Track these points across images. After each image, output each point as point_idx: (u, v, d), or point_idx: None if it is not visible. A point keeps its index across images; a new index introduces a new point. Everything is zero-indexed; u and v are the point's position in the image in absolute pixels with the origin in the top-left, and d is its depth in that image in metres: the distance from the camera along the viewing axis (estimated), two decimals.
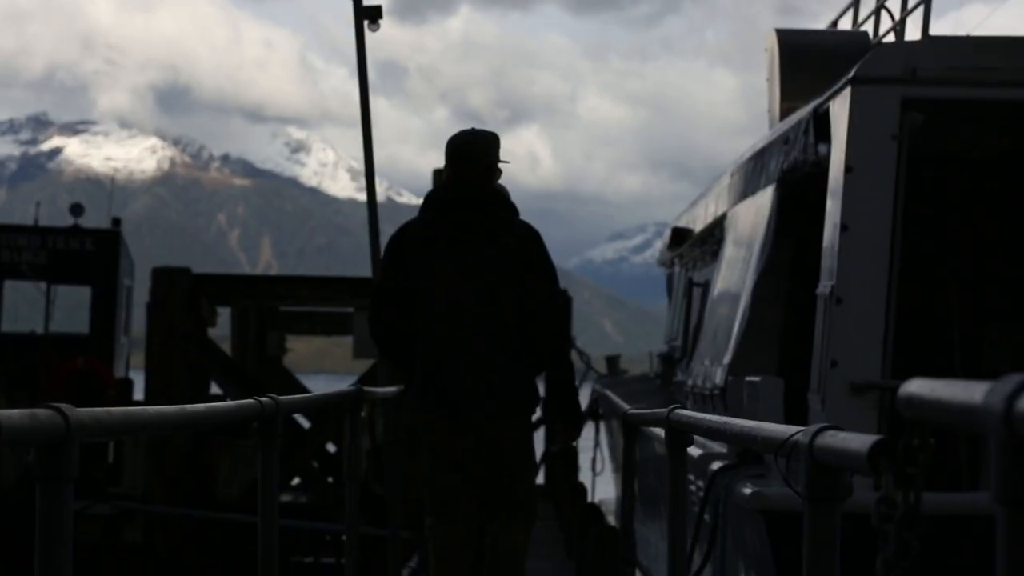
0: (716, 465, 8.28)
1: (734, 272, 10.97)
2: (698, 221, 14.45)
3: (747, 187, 11.07)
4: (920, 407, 2.03)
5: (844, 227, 8.10)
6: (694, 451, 8.50)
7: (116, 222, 25.34)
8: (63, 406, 2.75)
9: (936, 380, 2.00)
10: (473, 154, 7.04)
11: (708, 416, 4.81)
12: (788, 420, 7.31)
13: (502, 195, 7.18)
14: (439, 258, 6.95)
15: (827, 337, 8.08)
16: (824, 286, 8.22)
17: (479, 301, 6.89)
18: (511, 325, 6.90)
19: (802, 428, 3.11)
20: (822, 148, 8.76)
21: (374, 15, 10.02)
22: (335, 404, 7.28)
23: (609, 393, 14.29)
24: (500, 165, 7.19)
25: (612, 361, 21.76)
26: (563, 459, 17.18)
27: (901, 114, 8.12)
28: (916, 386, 2.04)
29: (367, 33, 10.12)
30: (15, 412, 2.55)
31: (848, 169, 8.12)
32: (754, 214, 10.52)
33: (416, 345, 7.01)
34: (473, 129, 7.24)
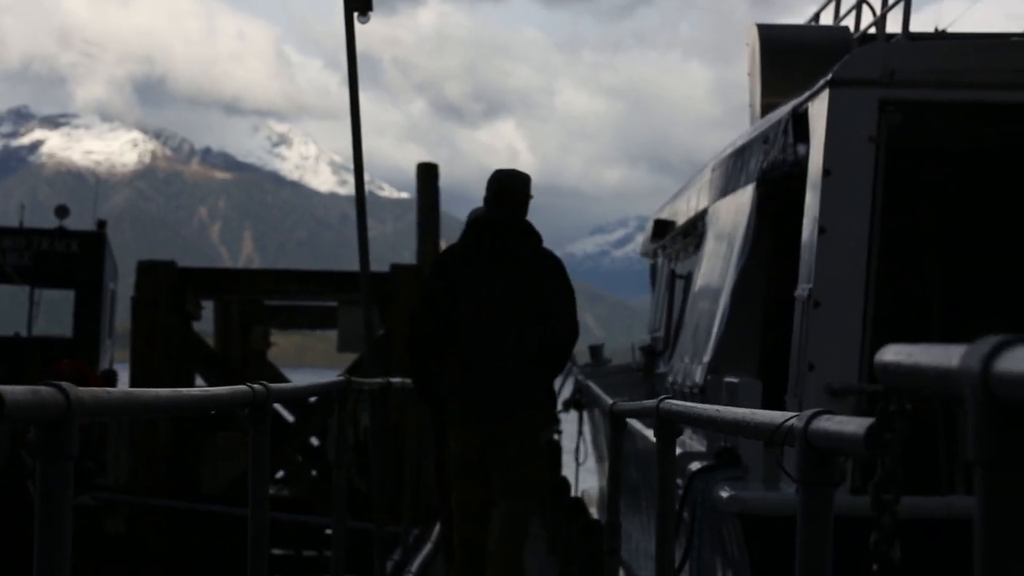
0: (695, 466, 8.28)
1: (715, 269, 11.02)
2: (680, 214, 14.51)
3: (728, 184, 11.12)
4: (897, 373, 2.02)
5: (822, 230, 8.12)
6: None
7: (101, 224, 25.13)
8: (64, 384, 2.79)
9: (913, 345, 1.99)
10: (512, 189, 8.53)
11: (699, 406, 4.76)
12: None
13: (531, 225, 8.59)
14: (476, 275, 8.33)
15: (805, 340, 8.09)
16: (802, 289, 8.25)
17: (505, 313, 8.25)
18: (530, 336, 8.24)
19: (796, 414, 3.09)
20: (801, 148, 8.79)
21: (364, 7, 9.98)
22: (324, 393, 7.41)
23: (592, 384, 14.34)
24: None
25: (595, 350, 21.90)
26: (546, 455, 17.22)
27: (879, 116, 8.15)
28: (893, 352, 2.03)
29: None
30: (18, 388, 2.58)
31: (826, 172, 8.15)
32: (734, 212, 10.58)
33: (450, 347, 8.34)
34: (513, 169, 8.81)
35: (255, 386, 4.57)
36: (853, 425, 2.65)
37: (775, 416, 3.28)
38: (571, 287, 8.56)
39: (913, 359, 1.95)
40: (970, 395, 1.70)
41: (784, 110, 9.35)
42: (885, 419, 2.35)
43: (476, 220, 8.65)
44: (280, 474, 20.63)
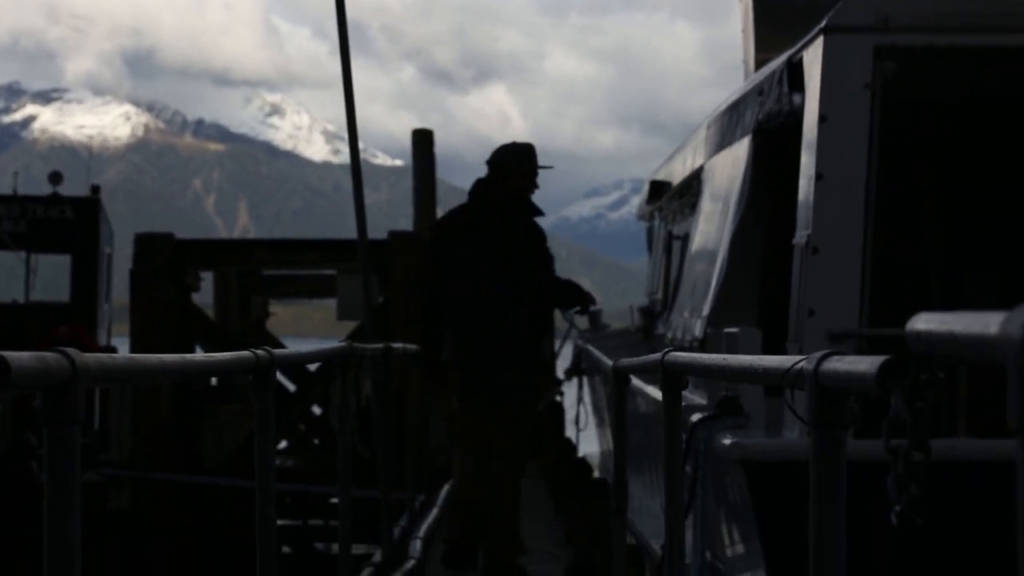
0: (696, 416, 8.33)
1: (712, 224, 11.02)
2: (676, 174, 14.50)
3: (723, 139, 11.12)
4: (930, 341, 1.99)
5: (819, 176, 8.14)
6: None
7: (95, 189, 25.16)
8: (69, 350, 2.78)
9: (946, 313, 1.95)
10: (501, 163, 9.01)
11: (705, 355, 4.70)
12: None
13: (525, 199, 9.04)
14: (470, 253, 8.81)
15: (804, 286, 8.12)
16: (800, 236, 8.27)
17: (500, 293, 8.76)
18: (523, 315, 8.83)
19: (805, 356, 3.06)
20: (796, 98, 8.80)
21: None
22: (326, 359, 7.42)
23: (592, 348, 14.34)
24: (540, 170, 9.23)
25: (594, 316, 21.87)
26: (549, 416, 17.26)
27: (874, 63, 8.17)
28: (925, 320, 2.00)
29: None
30: (23, 354, 2.58)
31: (822, 119, 8.16)
32: (731, 165, 10.58)
33: (449, 325, 8.92)
34: (513, 143, 9.25)
35: (258, 352, 4.57)
36: (865, 364, 2.59)
37: (784, 360, 3.24)
38: (549, 254, 9.28)
39: (947, 327, 1.92)
40: (1012, 362, 1.66)
41: (779, 61, 9.35)
42: (916, 389, 2.30)
43: (471, 194, 9.06)
44: (283, 445, 20.66)
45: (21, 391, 2.59)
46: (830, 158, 8.14)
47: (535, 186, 9.14)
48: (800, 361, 3.07)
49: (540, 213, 9.13)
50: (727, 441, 7.54)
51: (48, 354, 2.72)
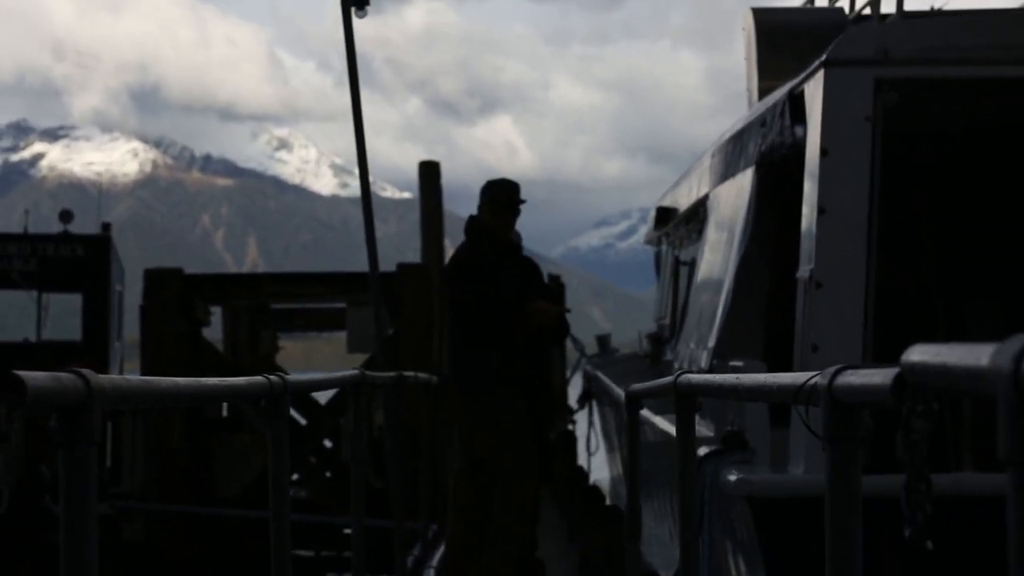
0: (702, 451, 8.33)
1: (717, 254, 11.05)
2: (682, 201, 14.55)
3: (727, 169, 11.15)
4: (924, 373, 1.99)
5: (821, 210, 8.15)
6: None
7: (106, 227, 25.16)
8: (84, 371, 2.81)
9: (940, 345, 1.96)
10: (505, 198, 9.28)
11: (718, 376, 4.67)
12: (771, 404, 7.40)
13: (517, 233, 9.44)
14: (480, 275, 9.08)
15: (807, 321, 8.13)
16: (803, 270, 8.28)
17: (498, 309, 8.99)
18: (519, 326, 9.01)
19: (819, 372, 3.07)
20: (798, 130, 8.82)
21: (360, 1, 9.97)
22: (339, 386, 7.44)
23: (601, 375, 14.37)
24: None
25: (603, 340, 22.03)
26: (561, 444, 17.27)
27: (875, 95, 8.18)
28: (919, 352, 2.01)
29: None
30: (39, 374, 2.60)
31: (824, 152, 8.17)
32: (735, 196, 10.61)
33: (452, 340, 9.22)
34: (502, 179, 9.49)
35: (271, 377, 4.59)
36: (879, 376, 2.60)
37: (798, 376, 3.24)
38: (545, 284, 9.76)
39: (941, 358, 1.93)
40: (1002, 394, 1.68)
41: (780, 92, 9.38)
42: (912, 418, 2.30)
43: (474, 227, 9.42)
44: (294, 477, 20.66)
45: (37, 411, 2.60)
46: (832, 192, 8.15)
47: (507, 222, 9.37)
48: (814, 376, 3.08)
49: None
50: (733, 477, 7.55)
51: (63, 375, 2.74)
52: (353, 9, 10.01)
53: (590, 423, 16.81)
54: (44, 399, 2.62)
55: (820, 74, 8.29)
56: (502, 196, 9.30)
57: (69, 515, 2.87)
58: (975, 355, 1.77)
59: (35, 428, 5.18)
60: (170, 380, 3.39)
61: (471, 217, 9.50)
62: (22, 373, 2.51)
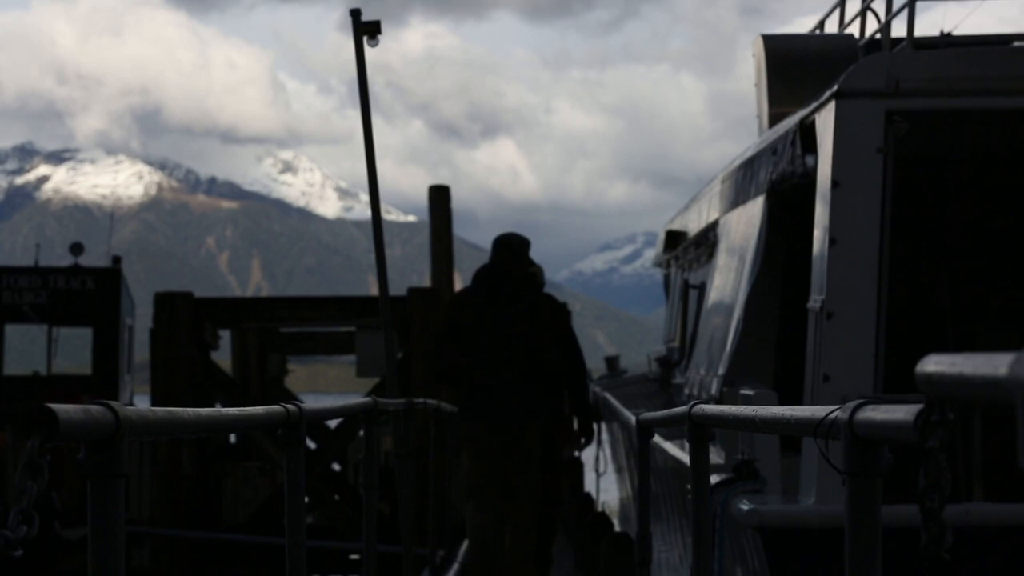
0: (713, 478, 8.31)
1: (728, 281, 11.07)
2: (691, 225, 14.58)
3: (738, 195, 11.18)
4: (941, 384, 1.98)
5: (832, 241, 8.17)
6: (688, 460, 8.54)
7: (116, 260, 25.12)
8: (113, 403, 2.83)
9: (955, 355, 1.94)
10: (508, 244, 10.44)
11: (734, 408, 4.64)
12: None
13: (532, 274, 10.56)
14: (481, 312, 10.09)
15: (818, 351, 8.14)
16: (814, 300, 8.30)
17: (508, 344, 10.02)
18: (529, 359, 10.03)
19: (840, 406, 3.03)
20: (809, 160, 8.84)
21: (373, 31, 9.98)
22: (353, 414, 7.48)
23: (610, 397, 14.37)
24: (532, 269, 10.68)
25: (612, 362, 22.18)
26: (569, 470, 17.27)
27: (886, 126, 8.20)
28: (935, 362, 2.00)
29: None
30: (69, 407, 2.63)
31: (835, 183, 8.20)
32: (745, 223, 10.63)
33: (465, 374, 10.09)
34: (511, 232, 10.65)
35: (288, 406, 4.63)
36: (901, 412, 2.58)
37: (817, 410, 3.20)
38: (566, 324, 10.74)
39: (957, 368, 1.92)
40: (1020, 403, 1.67)
41: (791, 121, 9.41)
42: (927, 430, 2.30)
43: (479, 271, 10.40)
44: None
45: (67, 442, 2.63)
46: (843, 223, 8.17)
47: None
48: (834, 411, 3.05)
49: (539, 284, 10.91)
50: (745, 507, 7.54)
51: (93, 407, 2.78)
52: (365, 38, 10.00)
53: (599, 444, 16.82)
54: (75, 431, 2.64)
55: (831, 105, 8.31)
56: (499, 241, 10.58)
57: (98, 545, 2.90)
58: (993, 364, 1.76)
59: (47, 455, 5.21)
60: (192, 411, 3.43)
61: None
62: (53, 406, 2.53)
